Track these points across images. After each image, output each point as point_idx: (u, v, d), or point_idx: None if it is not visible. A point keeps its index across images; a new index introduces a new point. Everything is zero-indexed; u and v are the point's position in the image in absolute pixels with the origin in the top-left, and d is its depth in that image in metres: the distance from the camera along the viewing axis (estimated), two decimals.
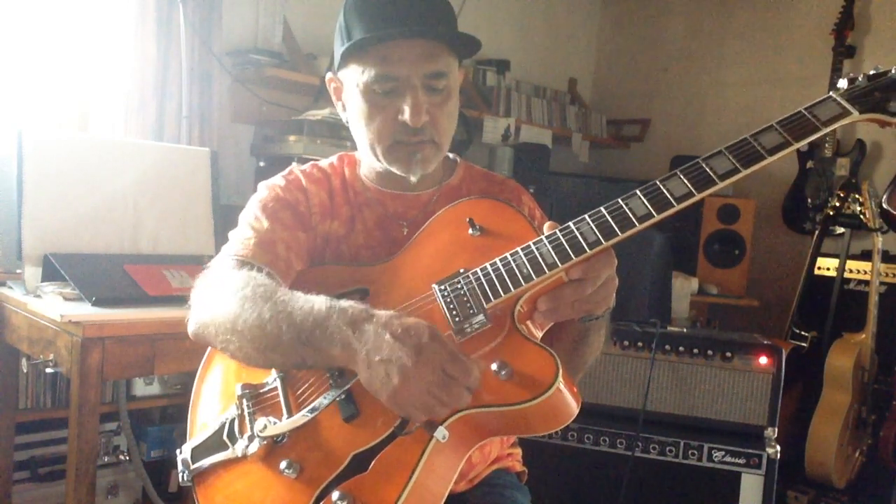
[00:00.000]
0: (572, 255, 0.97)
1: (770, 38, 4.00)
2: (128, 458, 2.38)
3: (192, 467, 1.05)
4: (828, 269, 3.26)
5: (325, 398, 0.99)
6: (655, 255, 2.96)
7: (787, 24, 3.94)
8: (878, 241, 2.91)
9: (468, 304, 0.99)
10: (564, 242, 0.98)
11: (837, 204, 3.08)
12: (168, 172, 2.27)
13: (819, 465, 2.83)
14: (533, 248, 1.00)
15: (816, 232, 3.27)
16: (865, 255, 3.10)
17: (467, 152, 3.51)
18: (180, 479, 1.06)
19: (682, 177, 1.00)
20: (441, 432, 0.92)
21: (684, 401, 2.14)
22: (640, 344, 2.16)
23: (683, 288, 3.41)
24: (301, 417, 1.00)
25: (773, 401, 2.09)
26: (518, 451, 1.40)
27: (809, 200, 3.66)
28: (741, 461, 2.08)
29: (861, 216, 2.94)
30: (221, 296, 1.03)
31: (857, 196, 2.96)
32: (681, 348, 2.14)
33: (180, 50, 2.55)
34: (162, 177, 2.25)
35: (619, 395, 2.17)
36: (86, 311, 1.73)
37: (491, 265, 1.01)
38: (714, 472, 2.09)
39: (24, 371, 2.20)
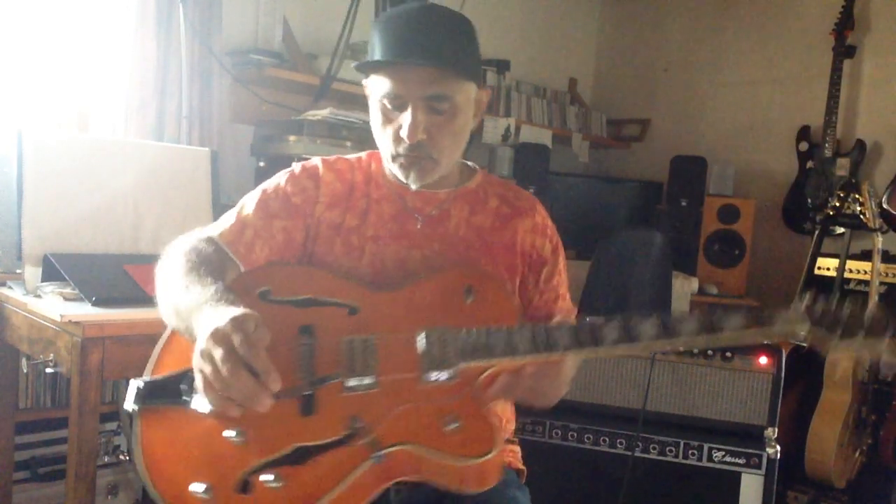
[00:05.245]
0: (544, 352, 1.05)
1: (770, 38, 4.00)
2: (128, 458, 2.38)
3: (146, 402, 1.09)
4: (828, 269, 3.26)
5: (293, 390, 1.05)
6: (655, 255, 2.96)
7: (787, 24, 3.94)
8: (878, 241, 2.90)
9: (443, 358, 1.07)
10: (540, 338, 1.06)
11: (837, 204, 3.07)
12: (168, 172, 2.27)
13: (819, 465, 2.83)
14: (514, 330, 1.07)
15: (816, 232, 3.26)
16: (865, 255, 3.09)
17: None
18: (126, 406, 1.11)
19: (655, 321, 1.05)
20: (379, 455, 1.03)
21: (684, 401, 2.14)
22: None
23: (683, 288, 3.40)
24: None
25: (773, 401, 2.09)
26: (517, 449, 1.41)
27: (809, 200, 3.66)
28: (741, 461, 2.08)
29: (861, 216, 2.93)
30: (173, 265, 1.18)
31: (857, 196, 2.95)
32: (681, 348, 2.14)
33: (180, 50, 2.55)
34: (162, 177, 2.25)
35: (619, 395, 2.17)
36: (86, 311, 1.73)
37: (476, 331, 1.08)
38: (714, 472, 2.09)
39: (24, 371, 2.20)
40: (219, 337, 0.94)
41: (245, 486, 1.02)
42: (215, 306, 1.01)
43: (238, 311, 0.97)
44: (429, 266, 1.26)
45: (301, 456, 1.03)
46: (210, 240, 1.26)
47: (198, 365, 0.96)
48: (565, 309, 1.37)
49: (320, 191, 1.30)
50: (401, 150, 1.22)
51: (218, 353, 0.93)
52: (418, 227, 1.29)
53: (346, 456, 1.03)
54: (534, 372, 1.08)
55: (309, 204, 1.29)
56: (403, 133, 1.19)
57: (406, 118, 1.19)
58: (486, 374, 1.08)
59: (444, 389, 1.06)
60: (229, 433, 1.03)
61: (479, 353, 1.07)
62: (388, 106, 1.21)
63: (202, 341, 0.95)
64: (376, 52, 1.20)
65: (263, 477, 1.01)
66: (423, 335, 1.09)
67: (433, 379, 1.06)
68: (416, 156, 1.21)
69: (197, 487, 1.02)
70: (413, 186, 1.25)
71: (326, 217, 1.29)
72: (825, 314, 1.06)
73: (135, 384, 1.11)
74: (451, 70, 1.18)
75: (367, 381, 1.07)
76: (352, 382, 1.06)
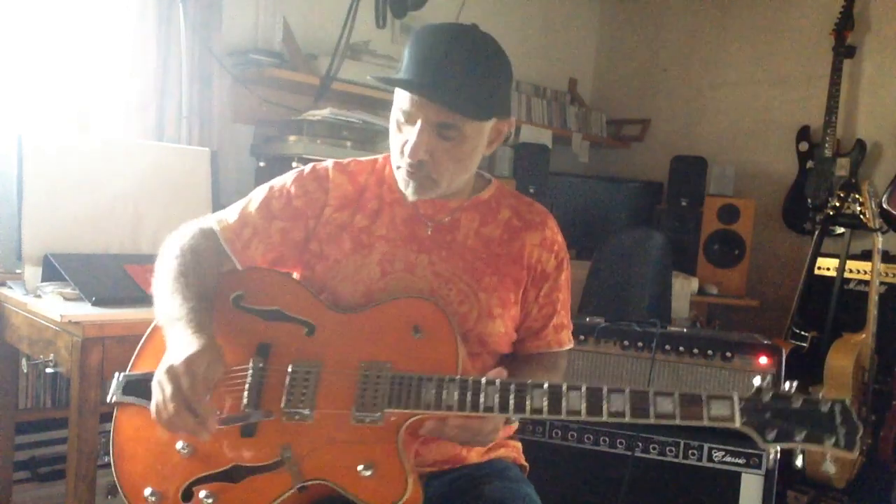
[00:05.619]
0: (470, 409, 1.10)
1: (770, 38, 4.00)
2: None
3: (122, 396, 1.21)
4: (828, 269, 3.26)
5: (237, 418, 1.14)
6: (655, 255, 2.96)
7: (787, 24, 3.94)
8: (878, 241, 2.90)
9: (375, 399, 1.13)
10: (468, 395, 1.10)
11: (837, 204, 3.07)
12: (168, 172, 2.27)
13: (819, 465, 2.82)
14: (445, 383, 1.12)
15: (816, 232, 3.27)
16: (865, 255, 3.09)
17: None
18: (108, 398, 1.22)
19: (581, 392, 1.09)
20: (301, 485, 1.11)
21: None
22: (640, 344, 2.16)
23: (683, 288, 3.41)
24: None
25: None
26: (519, 445, 1.42)
27: (809, 200, 3.66)
28: (741, 461, 2.08)
29: (861, 216, 2.93)
30: (168, 262, 1.27)
31: (857, 196, 2.95)
32: (681, 348, 2.14)
33: (180, 50, 2.55)
34: (162, 177, 2.25)
35: None
36: (86, 311, 1.73)
37: (408, 377, 1.13)
38: (714, 472, 2.09)
39: (24, 371, 2.20)
40: (171, 375, 1.04)
41: (188, 496, 1.14)
42: (184, 330, 1.11)
43: (196, 346, 1.07)
44: (434, 271, 1.28)
45: (237, 474, 1.13)
46: (211, 234, 1.32)
47: (154, 391, 1.07)
48: (560, 325, 1.38)
49: (329, 194, 1.33)
50: (402, 163, 1.24)
51: (168, 391, 1.04)
52: (428, 232, 1.31)
53: (274, 481, 1.11)
54: (459, 424, 1.12)
55: (314, 207, 1.32)
56: (406, 150, 1.21)
57: (412, 136, 1.20)
58: (410, 420, 1.12)
59: (370, 430, 1.12)
60: (179, 444, 1.15)
61: (407, 401, 1.11)
62: (401, 119, 1.23)
63: (160, 372, 1.06)
64: (402, 68, 1.22)
65: (201, 492, 1.12)
66: (361, 373, 1.15)
67: (362, 420, 1.12)
68: (416, 172, 1.23)
69: (147, 491, 1.15)
70: (410, 198, 1.27)
71: (335, 218, 1.32)
72: (762, 412, 1.05)
73: (116, 378, 1.22)
74: (460, 112, 1.19)
75: (304, 412, 1.14)
76: (289, 411, 1.14)
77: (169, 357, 1.07)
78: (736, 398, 1.07)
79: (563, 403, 1.08)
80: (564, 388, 1.09)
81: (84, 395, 1.66)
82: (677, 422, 1.06)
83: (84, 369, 1.66)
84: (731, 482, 2.08)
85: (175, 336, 1.12)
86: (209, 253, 1.29)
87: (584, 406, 1.07)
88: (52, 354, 1.77)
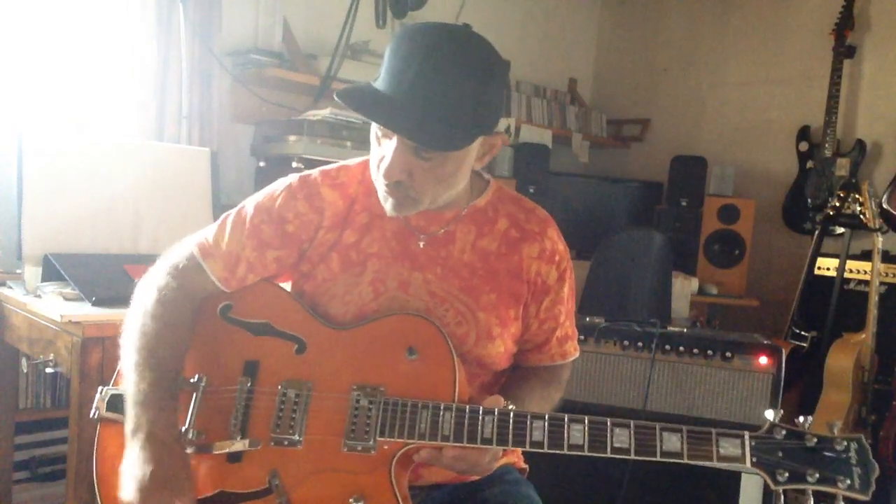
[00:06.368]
0: (467, 440, 1.07)
1: (770, 38, 4.00)
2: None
3: (104, 412, 1.17)
4: (828, 269, 3.26)
5: (222, 444, 1.11)
6: (655, 255, 2.96)
7: (787, 24, 3.94)
8: (878, 241, 2.91)
9: (367, 427, 1.09)
10: (464, 426, 1.07)
11: (837, 204, 3.08)
12: (168, 172, 2.27)
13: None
14: (441, 411, 1.08)
15: (816, 232, 3.27)
16: (865, 255, 3.10)
17: None
18: (91, 414, 1.18)
19: (585, 426, 1.06)
20: None
21: (684, 401, 2.14)
22: (640, 344, 2.16)
23: (683, 288, 3.41)
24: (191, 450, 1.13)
25: (773, 401, 2.09)
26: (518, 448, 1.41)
27: (809, 200, 3.66)
28: None
29: (861, 216, 2.93)
30: (139, 312, 1.20)
31: (857, 196, 2.96)
32: (681, 348, 2.14)
33: (180, 50, 2.55)
34: (162, 177, 2.25)
35: (619, 395, 2.17)
36: (86, 311, 1.73)
37: (402, 403, 1.09)
38: (714, 472, 2.08)
39: (24, 371, 2.20)
40: None
41: None
42: (148, 448, 1.06)
43: (161, 484, 1.04)
44: (429, 291, 1.21)
45: (223, 501, 1.10)
46: (199, 270, 1.22)
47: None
48: (564, 336, 1.33)
49: (324, 215, 1.23)
50: (378, 178, 1.14)
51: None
52: (421, 246, 1.22)
53: None
54: (455, 455, 1.08)
55: (308, 230, 1.23)
56: (382, 168, 1.11)
57: (388, 153, 1.09)
58: (404, 450, 1.08)
59: (362, 459, 1.08)
60: None
61: (401, 430, 1.08)
62: (378, 133, 1.13)
63: (133, 493, 1.04)
64: (378, 76, 1.11)
65: None
66: (352, 400, 1.10)
67: (354, 448, 1.08)
68: (393, 192, 1.13)
69: None
70: (389, 214, 1.17)
71: (327, 238, 1.23)
72: (774, 451, 1.00)
73: (99, 395, 1.18)
74: (432, 148, 1.08)
75: (293, 437, 1.10)
76: (278, 436, 1.11)
77: (134, 482, 1.04)
78: (747, 437, 1.01)
79: (565, 438, 1.04)
80: (566, 420, 1.05)
81: (84, 395, 1.66)
82: (685, 461, 1.02)
83: (84, 369, 1.66)
84: (731, 482, 2.08)
85: (139, 456, 1.06)
86: (190, 295, 1.21)
87: (586, 441, 1.04)
88: (52, 354, 1.77)
